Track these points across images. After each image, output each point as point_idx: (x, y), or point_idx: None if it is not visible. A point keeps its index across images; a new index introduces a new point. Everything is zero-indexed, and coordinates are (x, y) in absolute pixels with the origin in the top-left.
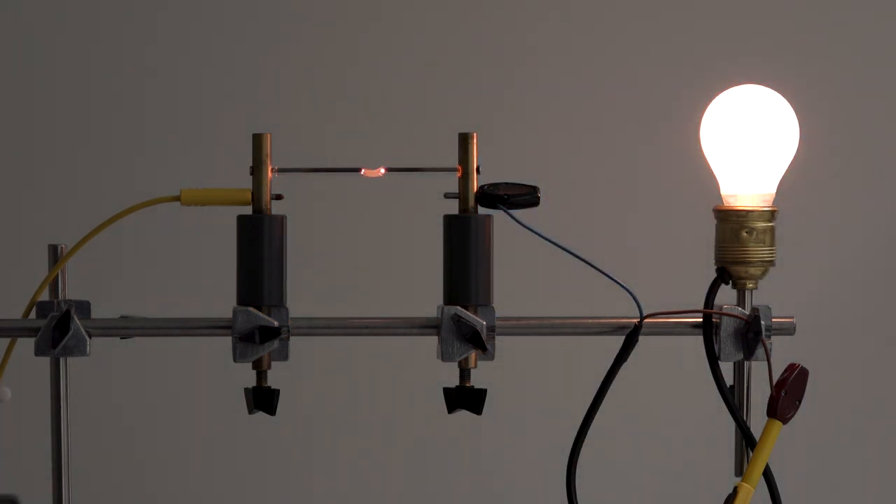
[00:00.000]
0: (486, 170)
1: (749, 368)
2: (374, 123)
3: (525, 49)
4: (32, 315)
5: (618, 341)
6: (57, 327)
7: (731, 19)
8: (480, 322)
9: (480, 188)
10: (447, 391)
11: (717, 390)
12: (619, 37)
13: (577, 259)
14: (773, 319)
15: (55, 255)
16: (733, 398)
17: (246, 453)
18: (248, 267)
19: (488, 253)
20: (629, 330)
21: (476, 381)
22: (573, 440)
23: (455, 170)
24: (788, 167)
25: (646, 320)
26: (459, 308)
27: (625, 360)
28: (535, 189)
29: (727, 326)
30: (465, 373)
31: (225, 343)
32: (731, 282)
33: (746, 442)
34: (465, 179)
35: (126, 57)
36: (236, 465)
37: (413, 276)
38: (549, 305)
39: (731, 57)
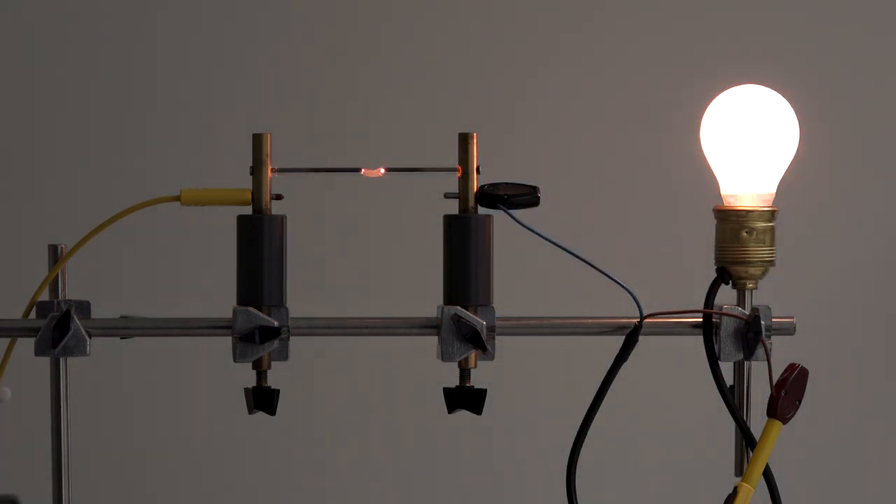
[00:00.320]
0: (486, 170)
1: (749, 368)
2: (374, 123)
3: (525, 49)
4: (32, 315)
5: (618, 341)
6: (57, 327)
7: (731, 19)
8: (480, 322)
9: (480, 188)
10: (447, 391)
11: (717, 390)
12: (619, 37)
13: (577, 259)
14: (773, 319)
15: (55, 255)
16: (733, 398)
17: (246, 453)
18: (248, 267)
19: (488, 253)
20: (629, 330)
21: (476, 381)
22: (573, 440)
23: (455, 170)
24: (788, 167)
25: (646, 320)
26: (459, 308)
27: (625, 360)
28: (535, 189)
29: (727, 326)
30: (465, 373)
31: (225, 343)
32: (731, 282)
33: (746, 442)
34: (465, 179)
35: (126, 57)
36: (236, 465)
37: (413, 276)
38: (549, 305)
39: (731, 57)
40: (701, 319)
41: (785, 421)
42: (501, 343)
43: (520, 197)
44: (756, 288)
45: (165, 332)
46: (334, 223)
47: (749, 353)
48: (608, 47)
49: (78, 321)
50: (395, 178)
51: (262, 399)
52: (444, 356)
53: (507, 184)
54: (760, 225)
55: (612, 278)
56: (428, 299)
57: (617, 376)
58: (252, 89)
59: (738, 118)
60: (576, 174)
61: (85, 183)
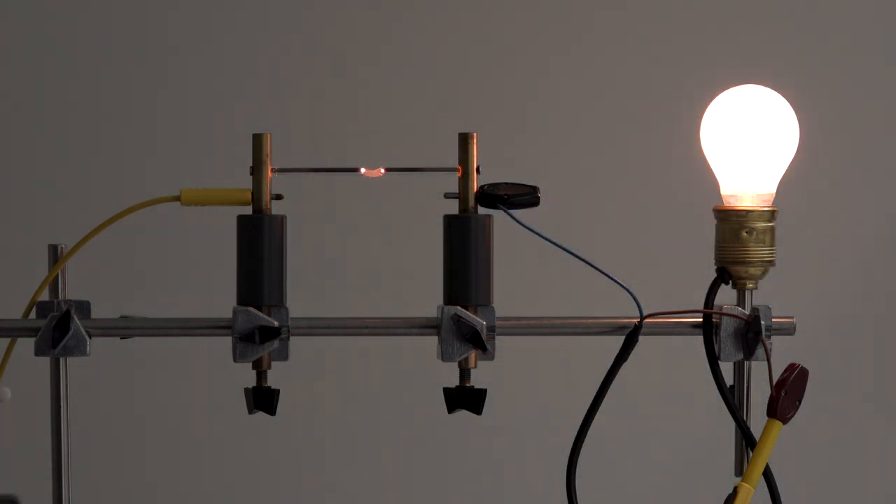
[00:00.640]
0: (486, 170)
1: (749, 368)
2: (374, 123)
3: (525, 49)
4: (32, 315)
5: (618, 341)
6: (57, 327)
7: (732, 19)
8: (480, 322)
9: (480, 188)
10: (447, 391)
11: (717, 390)
12: (620, 37)
13: (577, 259)
14: (773, 319)
15: (55, 255)
16: (733, 398)
17: (246, 453)
18: (248, 267)
19: (488, 253)
20: (629, 330)
21: (476, 381)
22: (573, 440)
23: (455, 170)
24: (788, 167)
25: (646, 320)
26: (459, 308)
27: (625, 360)
28: (535, 189)
29: (727, 326)
30: (465, 373)
31: (225, 343)
32: (731, 282)
33: (746, 442)
34: (465, 179)
35: (126, 57)
36: (236, 465)
37: (413, 276)
38: (549, 305)
39: (731, 57)
40: (701, 319)
41: (785, 421)
42: (501, 343)
43: (520, 197)
44: (756, 288)
45: (165, 332)
46: (334, 223)
47: (749, 353)
48: (608, 48)
49: (78, 321)
50: (395, 178)
51: (262, 399)
52: (444, 356)
53: (507, 184)
54: (760, 225)
55: (612, 278)
56: (428, 299)
57: (617, 376)
58: (252, 89)
59: (738, 118)
60: (576, 174)
61: (85, 183)
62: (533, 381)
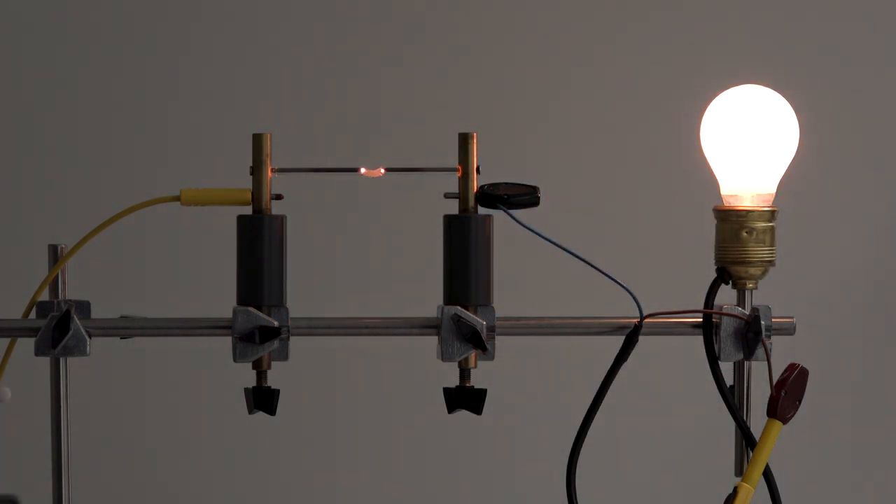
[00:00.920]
0: (486, 170)
1: (749, 368)
2: (374, 123)
3: (525, 49)
4: (32, 315)
5: (618, 341)
6: (57, 327)
7: (731, 19)
8: (480, 322)
9: (480, 188)
10: (447, 391)
11: (717, 390)
12: (620, 37)
13: (577, 259)
14: (773, 319)
15: (55, 255)
16: (733, 398)
17: (246, 453)
18: (248, 267)
19: (488, 253)
20: (629, 330)
21: (476, 381)
22: (573, 440)
23: (455, 170)
24: (788, 167)
25: (646, 320)
26: (459, 308)
27: (625, 360)
28: (535, 189)
29: (727, 326)
30: (465, 373)
31: (225, 343)
32: (731, 282)
33: (746, 442)
34: (465, 179)
35: (126, 57)
36: (236, 465)
37: (413, 276)
38: (549, 305)
39: (731, 57)
40: (701, 319)
41: (785, 421)
42: (501, 343)
43: (520, 197)
44: (756, 288)
45: (165, 332)
46: (334, 223)
47: (749, 353)
48: (608, 48)
49: (78, 321)
50: (395, 178)
51: (262, 399)
52: (444, 356)
53: (507, 184)
54: (760, 225)
55: (612, 278)
56: (428, 299)
57: (617, 376)
58: (252, 89)
59: (738, 118)
60: (576, 174)
61: (85, 183)
62: (533, 381)
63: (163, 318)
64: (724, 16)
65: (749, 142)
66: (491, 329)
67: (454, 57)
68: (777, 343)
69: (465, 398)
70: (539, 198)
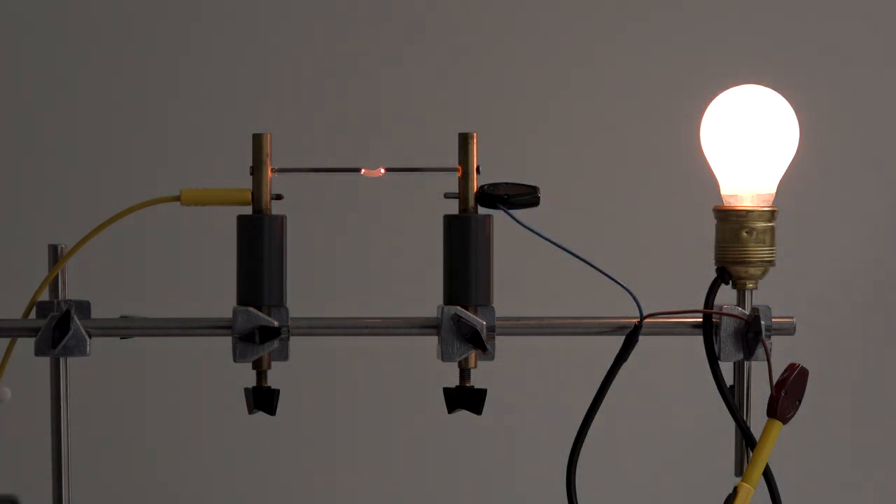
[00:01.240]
0: (486, 170)
1: (749, 368)
2: (374, 123)
3: (525, 49)
4: (32, 315)
5: (618, 341)
6: (57, 327)
7: (731, 19)
8: (480, 322)
9: (480, 188)
10: (447, 391)
11: (717, 390)
12: (620, 37)
13: (577, 259)
14: (773, 319)
15: (55, 255)
16: (733, 398)
17: (246, 453)
18: (248, 267)
19: (488, 253)
20: (629, 330)
21: (476, 381)
22: (573, 440)
23: (455, 170)
24: (788, 167)
25: (646, 320)
26: (459, 308)
27: (625, 360)
28: (535, 189)
29: (727, 326)
30: (465, 373)
31: (225, 343)
32: (731, 282)
33: (746, 442)
34: (465, 179)
35: (126, 57)
36: (236, 465)
37: (413, 276)
38: (549, 305)
39: (731, 57)
40: (701, 319)
41: (785, 421)
42: (501, 343)
43: (520, 197)
44: (756, 288)
45: (165, 332)
46: (334, 223)
47: (749, 353)
48: (608, 47)
49: (78, 321)
50: (395, 178)
51: (262, 399)
52: (444, 356)
53: (507, 184)
54: (760, 225)
55: (612, 278)
56: (428, 299)
57: (617, 376)
58: (252, 89)
59: (738, 118)
60: (576, 174)
61: (85, 183)
62: (533, 381)
63: (163, 318)
64: (724, 16)
65: (749, 142)
66: (491, 329)
67: (454, 57)
68: (777, 343)
69: (465, 398)
70: (539, 198)
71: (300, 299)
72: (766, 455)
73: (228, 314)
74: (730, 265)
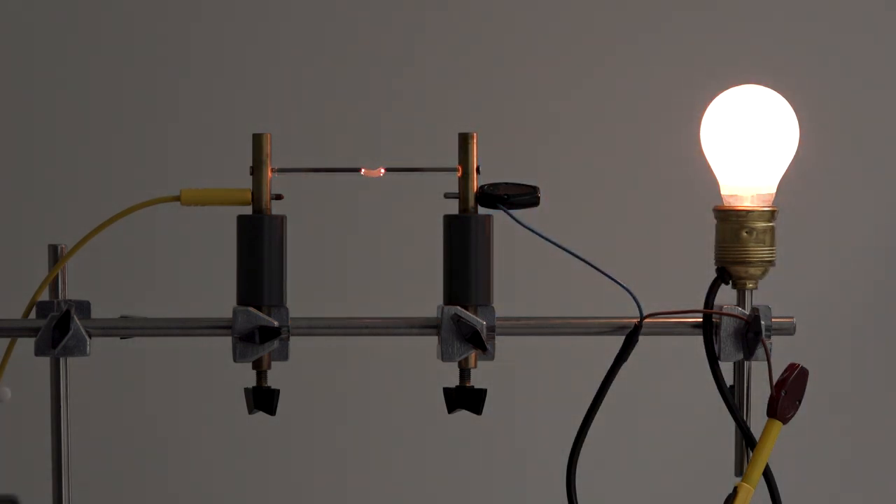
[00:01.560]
0: (486, 170)
1: (749, 368)
2: (374, 123)
3: (525, 49)
4: (32, 315)
5: (618, 341)
6: (57, 327)
7: (732, 19)
8: (480, 322)
9: (480, 188)
10: (447, 391)
11: (717, 390)
12: (619, 37)
13: (577, 259)
14: (773, 319)
15: (55, 255)
16: (733, 398)
17: (246, 453)
18: (248, 267)
19: (488, 253)
20: (629, 330)
21: (476, 381)
22: (573, 440)
23: (455, 170)
24: (788, 167)
25: (646, 320)
26: (459, 308)
27: (625, 360)
28: (535, 189)
29: (727, 326)
30: (465, 373)
31: (225, 343)
32: (731, 282)
33: (746, 442)
34: (465, 179)
35: (126, 57)
36: (236, 465)
37: (413, 276)
38: (549, 305)
39: (731, 57)
40: (701, 319)
41: (785, 421)
42: (501, 343)
43: (520, 197)
44: (756, 288)
45: (165, 332)
46: (334, 223)
47: (749, 353)
48: (608, 47)
49: (78, 321)
50: (395, 178)
51: (262, 399)
52: (444, 356)
53: (507, 184)
54: (760, 225)
55: (612, 278)
56: (428, 299)
57: (617, 376)
58: (252, 89)
59: (738, 118)
60: (576, 174)
61: (85, 183)
62: (533, 381)
63: (163, 318)
64: (724, 16)
65: (749, 142)
66: (491, 329)
67: (454, 57)
68: (777, 343)
69: (465, 398)
70: (539, 198)
71: (300, 299)
72: (766, 455)
73: (228, 314)
74: (730, 265)
